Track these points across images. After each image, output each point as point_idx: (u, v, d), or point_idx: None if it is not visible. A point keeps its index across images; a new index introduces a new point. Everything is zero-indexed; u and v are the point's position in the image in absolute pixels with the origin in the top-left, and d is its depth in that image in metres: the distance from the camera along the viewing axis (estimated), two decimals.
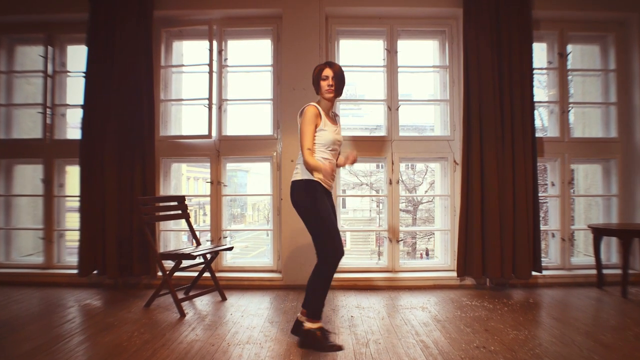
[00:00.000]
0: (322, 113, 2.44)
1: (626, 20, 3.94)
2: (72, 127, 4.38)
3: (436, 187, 4.27)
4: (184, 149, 3.98)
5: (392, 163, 3.92)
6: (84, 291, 3.62)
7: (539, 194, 3.69)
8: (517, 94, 3.59)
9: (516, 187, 3.56)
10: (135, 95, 3.68)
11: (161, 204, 3.45)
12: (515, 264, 3.55)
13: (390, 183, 3.91)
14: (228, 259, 4.08)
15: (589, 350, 2.30)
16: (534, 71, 3.68)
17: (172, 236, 4.13)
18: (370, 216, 19.98)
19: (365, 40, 4.17)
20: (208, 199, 3.98)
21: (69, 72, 4.12)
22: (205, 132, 3.86)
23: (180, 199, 3.54)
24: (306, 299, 2.39)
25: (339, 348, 2.32)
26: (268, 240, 4.05)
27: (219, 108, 3.97)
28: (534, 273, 3.61)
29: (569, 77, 4.15)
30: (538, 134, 3.78)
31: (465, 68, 3.64)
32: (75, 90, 4.09)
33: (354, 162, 2.52)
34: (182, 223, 3.98)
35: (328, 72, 2.43)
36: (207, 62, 3.86)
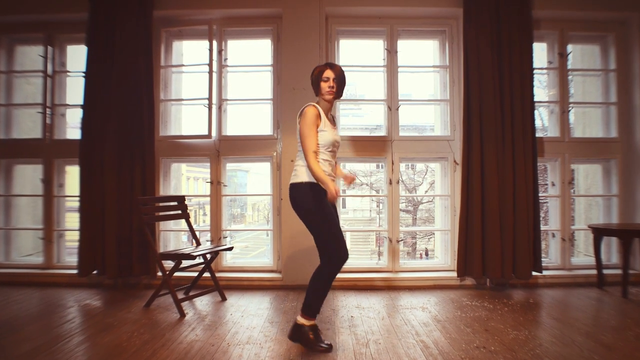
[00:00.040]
0: (322, 114, 2.42)
1: (626, 20, 3.93)
2: (72, 127, 4.38)
3: (436, 187, 4.27)
4: (184, 149, 3.98)
5: (392, 163, 3.92)
6: (83, 291, 3.61)
7: (539, 194, 3.69)
8: (517, 93, 3.59)
9: (516, 187, 3.56)
10: (135, 95, 3.68)
11: (161, 204, 3.45)
12: (516, 264, 3.55)
13: (390, 183, 3.91)
14: (228, 259, 4.07)
15: (590, 350, 2.29)
16: (534, 71, 3.68)
17: (172, 236, 4.13)
18: (370, 216, 20.00)
19: (365, 40, 4.17)
20: (208, 199, 3.97)
21: (69, 72, 4.12)
22: (205, 132, 3.86)
23: (180, 199, 3.54)
24: (306, 297, 2.37)
25: (329, 349, 2.30)
26: (268, 240, 4.05)
27: (219, 108, 3.96)
28: (534, 273, 3.60)
29: (569, 77, 4.14)
30: (538, 134, 3.78)
31: (466, 68, 3.64)
32: (75, 90, 4.09)
33: (351, 182, 2.56)
34: (182, 223, 3.97)
35: (329, 73, 2.40)
36: (207, 62, 3.85)
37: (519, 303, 3.22)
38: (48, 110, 4.00)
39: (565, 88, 3.97)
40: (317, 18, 3.76)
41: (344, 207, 18.91)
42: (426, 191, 17.39)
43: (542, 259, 3.70)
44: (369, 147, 3.95)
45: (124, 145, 3.67)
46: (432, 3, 3.79)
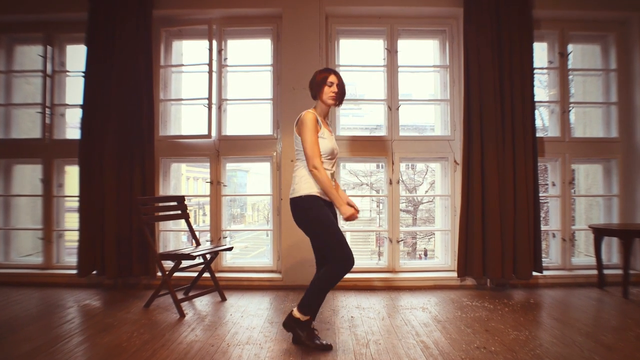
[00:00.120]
0: (320, 120, 2.41)
1: (627, 19, 3.93)
2: (72, 127, 4.36)
3: (436, 187, 4.26)
4: (184, 149, 3.97)
5: (393, 163, 3.92)
6: (83, 291, 3.61)
7: (540, 194, 3.69)
8: (517, 93, 3.58)
9: (517, 187, 3.55)
10: (135, 95, 3.67)
11: (161, 204, 3.44)
12: (516, 264, 3.54)
13: (391, 183, 3.90)
14: (228, 259, 4.07)
15: (590, 350, 2.29)
16: (535, 71, 3.67)
17: (172, 236, 4.12)
18: (370, 216, 19.97)
19: (365, 40, 4.17)
20: (208, 199, 3.97)
21: (68, 71, 4.11)
22: (205, 132, 3.85)
23: (180, 199, 3.53)
24: (305, 296, 2.33)
25: (326, 347, 2.30)
26: (268, 240, 4.04)
27: (219, 108, 3.96)
28: (534, 273, 3.59)
29: (570, 77, 4.14)
30: (539, 134, 3.77)
31: (466, 68, 3.63)
32: (74, 90, 4.08)
33: (350, 218, 2.31)
34: (182, 223, 3.97)
35: (333, 78, 2.43)
36: (207, 61, 3.85)
37: (519, 303, 3.22)
38: (47, 110, 3.99)
39: (566, 88, 3.96)
40: (317, 18, 3.75)
41: None
42: (426, 191, 17.38)
43: (543, 259, 3.70)
44: (369, 147, 3.94)
45: (124, 145, 3.67)
46: (432, 3, 3.79)
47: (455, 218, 3.86)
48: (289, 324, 2.36)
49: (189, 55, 4.46)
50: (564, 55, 3.94)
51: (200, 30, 3.97)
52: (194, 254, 3.00)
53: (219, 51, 3.96)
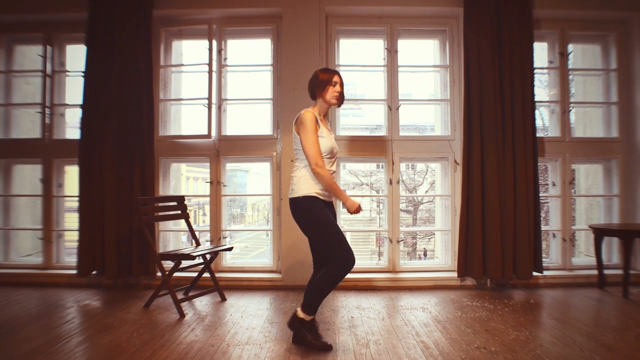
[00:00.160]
0: (319, 119, 2.42)
1: (627, 19, 3.93)
2: (71, 127, 4.36)
3: (436, 187, 4.25)
4: (184, 149, 3.97)
5: (393, 163, 3.91)
6: (83, 292, 3.60)
7: (540, 194, 3.68)
8: (517, 93, 3.58)
9: (517, 187, 3.55)
10: (135, 95, 3.67)
11: (160, 204, 3.44)
12: (516, 264, 3.54)
13: (391, 183, 3.90)
14: (228, 259, 4.07)
15: (590, 351, 2.28)
16: (535, 71, 3.67)
17: (172, 236, 4.12)
18: (370, 216, 19.97)
19: (365, 40, 4.16)
20: (207, 199, 3.96)
21: (68, 71, 4.11)
22: (205, 132, 3.85)
23: (180, 199, 3.53)
24: (306, 296, 2.34)
25: (328, 348, 2.31)
26: (268, 240, 4.04)
27: (219, 108, 3.96)
28: (534, 273, 3.59)
29: (570, 77, 4.13)
30: (539, 134, 3.77)
31: (466, 67, 3.63)
32: (74, 90, 4.07)
33: (357, 211, 2.40)
34: (182, 223, 3.96)
35: (337, 79, 2.46)
36: (207, 61, 3.85)
37: (519, 303, 3.22)
38: (47, 110, 3.99)
39: (566, 88, 3.96)
40: (317, 17, 3.75)
41: (344, 207, 18.83)
42: (426, 191, 17.38)
43: (543, 259, 3.69)
44: (369, 147, 3.94)
45: (124, 145, 3.66)
46: (432, 2, 3.78)
47: (455, 218, 3.85)
48: (294, 324, 2.37)
49: (188, 55, 4.46)
50: (564, 55, 3.94)
51: (200, 30, 3.97)
52: (194, 254, 3.00)
53: (219, 51, 3.96)
